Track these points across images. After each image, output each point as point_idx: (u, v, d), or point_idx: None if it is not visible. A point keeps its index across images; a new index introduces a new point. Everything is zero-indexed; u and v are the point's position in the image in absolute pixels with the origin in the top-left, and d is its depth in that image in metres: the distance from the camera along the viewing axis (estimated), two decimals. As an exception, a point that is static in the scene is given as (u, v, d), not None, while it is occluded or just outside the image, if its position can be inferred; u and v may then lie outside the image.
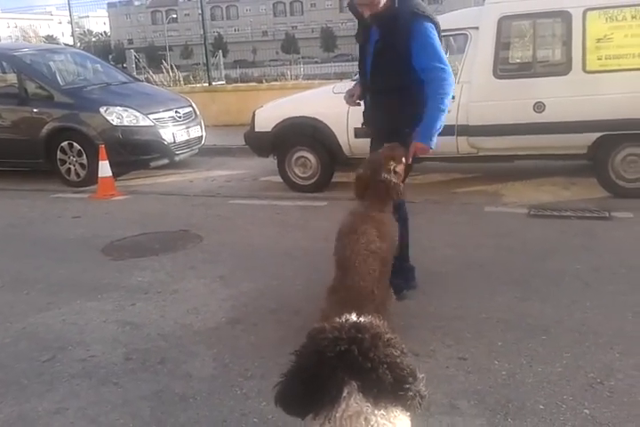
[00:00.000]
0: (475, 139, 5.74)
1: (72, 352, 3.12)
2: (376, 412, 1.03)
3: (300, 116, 6.29)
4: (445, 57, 3.32)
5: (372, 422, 1.02)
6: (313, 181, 6.39)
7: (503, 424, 2.36)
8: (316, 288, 3.60)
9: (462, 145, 5.79)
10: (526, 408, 2.45)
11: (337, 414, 1.02)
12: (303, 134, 6.33)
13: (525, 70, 6.12)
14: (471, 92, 5.65)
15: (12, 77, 7.90)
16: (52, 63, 8.36)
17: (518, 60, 7.00)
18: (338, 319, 1.13)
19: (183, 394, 2.68)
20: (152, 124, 7.43)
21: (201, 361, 2.96)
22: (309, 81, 12.42)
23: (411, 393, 1.07)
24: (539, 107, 5.45)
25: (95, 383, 2.81)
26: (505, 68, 6.07)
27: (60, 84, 7.82)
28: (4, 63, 8.22)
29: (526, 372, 2.72)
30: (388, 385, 1.04)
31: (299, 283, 3.89)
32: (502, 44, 5.86)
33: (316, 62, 27.69)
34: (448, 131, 5.69)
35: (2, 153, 7.57)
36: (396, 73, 3.30)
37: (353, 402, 1.02)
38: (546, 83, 5.53)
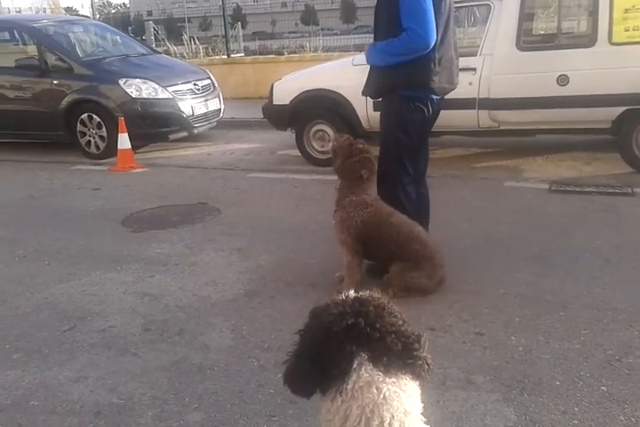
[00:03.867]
0: (496, 112, 5.64)
1: (92, 323, 3.17)
2: (387, 380, 1.03)
3: (318, 89, 6.22)
4: (431, 23, 3.13)
5: (383, 391, 1.02)
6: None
7: (519, 400, 2.36)
8: (332, 262, 3.61)
9: (483, 119, 5.70)
10: (543, 384, 2.45)
11: (348, 386, 1.03)
12: (322, 107, 6.27)
13: (549, 42, 5.96)
14: (493, 65, 5.53)
15: (32, 49, 7.89)
16: (71, 35, 8.32)
17: (542, 32, 6.82)
18: (338, 296, 1.14)
19: (201, 365, 2.72)
20: (171, 96, 7.40)
21: (219, 333, 2.99)
22: (328, 53, 12.26)
23: (419, 360, 1.08)
24: (562, 80, 5.32)
25: (114, 353, 2.86)
26: (528, 40, 5.92)
27: (80, 55, 7.80)
28: (25, 35, 8.20)
29: (543, 348, 2.71)
30: (397, 353, 1.06)
31: (315, 256, 3.90)
32: (526, 16, 5.71)
33: (336, 34, 27.25)
34: (469, 104, 5.67)
35: (22, 125, 7.62)
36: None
37: (364, 373, 1.03)
38: (570, 55, 5.39)
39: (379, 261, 3.41)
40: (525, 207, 4.66)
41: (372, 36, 3.54)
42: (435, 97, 3.38)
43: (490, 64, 5.52)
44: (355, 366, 1.03)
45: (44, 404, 2.49)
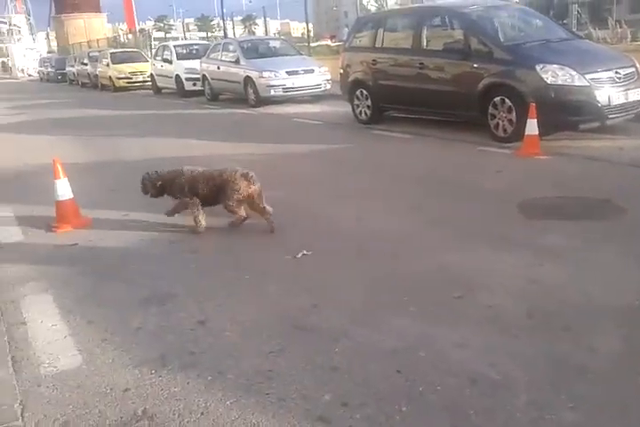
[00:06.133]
0: None
1: (478, 296, 3.34)
2: None
3: None
4: None
5: None
6: None
7: None
8: None
9: None
10: None
11: None
12: None
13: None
14: None
15: (458, 34, 8.42)
16: (495, 20, 8.58)
17: None
18: None
19: (583, 365, 2.62)
20: (587, 84, 7.03)
21: (608, 338, 2.83)
22: None
23: None
24: None
25: (497, 330, 2.97)
26: None
27: (501, 40, 7.99)
28: (454, 20, 8.78)
29: None
30: None
31: None
32: None
33: None
34: None
35: (440, 104, 8.26)
36: None
37: None
38: None
39: None
40: None
41: None
42: None
43: None
44: None
45: (429, 357, 2.75)
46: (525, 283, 3.48)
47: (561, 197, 5.03)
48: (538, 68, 7.13)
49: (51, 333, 3.19)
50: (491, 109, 7.51)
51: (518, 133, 6.93)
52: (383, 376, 2.62)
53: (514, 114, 7.22)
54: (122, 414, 2.46)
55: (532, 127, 6.59)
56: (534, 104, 6.65)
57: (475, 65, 7.75)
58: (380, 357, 2.77)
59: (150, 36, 33.36)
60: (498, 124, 7.49)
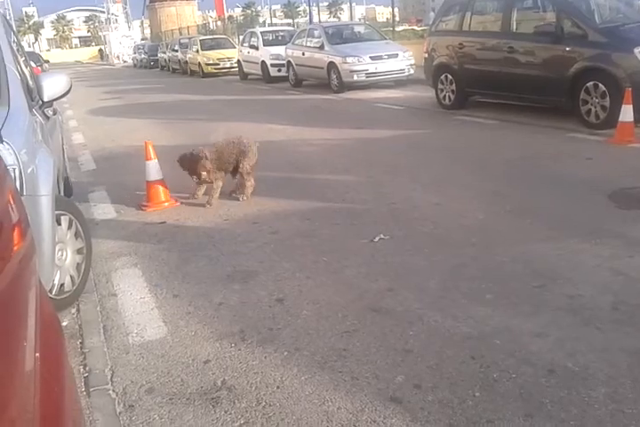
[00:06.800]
0: None
1: (561, 286, 3.24)
2: None
3: None
4: None
5: None
6: None
7: None
8: None
9: None
10: None
11: None
12: None
13: None
14: None
15: (550, 16, 8.07)
16: (591, 0, 8.16)
17: None
18: None
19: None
20: (689, 68, 6.59)
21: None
22: None
23: None
24: None
25: (578, 321, 2.88)
26: None
27: (597, 22, 7.60)
28: (546, 2, 8.40)
29: None
30: None
31: None
32: None
33: None
34: None
35: (529, 89, 7.98)
36: None
37: None
38: None
39: None
40: None
41: None
42: None
43: None
44: None
45: (505, 345, 2.71)
46: (612, 275, 3.35)
47: (656, 187, 4.78)
48: (636, 51, 6.76)
49: (139, 304, 3.38)
50: (583, 95, 7.20)
51: (612, 120, 6.62)
52: (457, 362, 2.61)
53: (607, 99, 6.89)
54: (202, 383, 2.58)
55: (626, 114, 6.27)
56: (630, 89, 6.32)
57: (567, 48, 7.44)
58: (454, 342, 2.76)
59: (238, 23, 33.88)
60: (590, 110, 7.16)
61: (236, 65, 21.10)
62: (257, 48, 18.08)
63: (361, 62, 13.15)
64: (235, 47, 22.87)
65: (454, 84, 9.49)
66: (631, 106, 6.27)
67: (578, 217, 4.27)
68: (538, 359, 2.60)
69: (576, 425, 2.18)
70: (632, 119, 6.27)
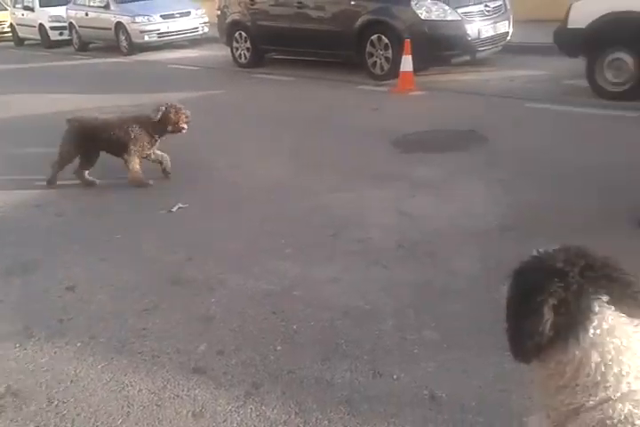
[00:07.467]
0: None
1: (352, 232, 3.44)
2: (631, 323, 0.97)
3: (626, 11, 5.43)
4: None
5: (629, 335, 0.96)
6: (626, 87, 5.61)
7: None
8: (607, 211, 3.30)
9: None
10: None
11: (590, 332, 0.96)
12: (625, 32, 5.48)
13: None
14: None
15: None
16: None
17: None
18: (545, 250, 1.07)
19: (444, 288, 2.79)
20: (459, 18, 7.16)
21: (468, 261, 3.01)
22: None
23: None
24: None
25: (367, 263, 3.09)
26: None
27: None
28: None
29: None
30: (632, 294, 0.98)
31: (584, 201, 3.56)
32: None
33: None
34: None
35: (320, 44, 8.08)
36: None
37: (608, 316, 0.97)
38: None
39: None
40: None
41: None
42: None
43: None
44: (596, 309, 0.97)
45: (304, 296, 2.83)
46: (397, 215, 3.61)
47: (433, 130, 5.20)
48: (413, 3, 7.12)
49: None
50: (368, 48, 7.48)
51: (395, 71, 6.99)
52: (259, 320, 2.67)
53: (390, 51, 7.25)
54: (-17, 395, 2.34)
55: (406, 64, 6.68)
56: (409, 40, 6.71)
57: (352, 2, 7.60)
58: (256, 301, 2.82)
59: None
60: (375, 62, 7.50)
61: (8, 29, 18.87)
62: (32, 9, 16.29)
63: (151, 22, 12.48)
64: (6, 9, 20.40)
65: (249, 42, 9.38)
66: (410, 56, 6.66)
67: (367, 165, 4.53)
68: (334, 304, 2.74)
69: (369, 359, 2.35)
70: (411, 69, 6.70)
